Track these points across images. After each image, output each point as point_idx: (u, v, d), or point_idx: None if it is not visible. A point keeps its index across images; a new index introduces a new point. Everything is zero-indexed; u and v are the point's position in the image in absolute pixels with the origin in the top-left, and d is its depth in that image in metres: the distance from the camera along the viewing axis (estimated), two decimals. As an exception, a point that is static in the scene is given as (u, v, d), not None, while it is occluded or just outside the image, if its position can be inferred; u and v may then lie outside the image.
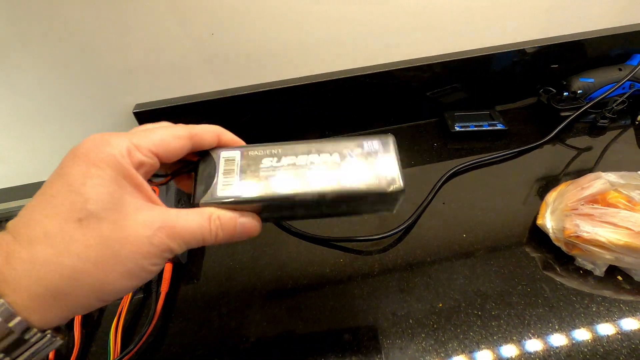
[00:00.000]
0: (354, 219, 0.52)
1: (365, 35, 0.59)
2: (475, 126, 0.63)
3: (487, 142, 0.62)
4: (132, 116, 0.59)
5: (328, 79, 0.60)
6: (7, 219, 0.58)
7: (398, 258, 0.46)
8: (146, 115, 0.59)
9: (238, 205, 0.26)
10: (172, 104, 0.59)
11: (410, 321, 0.39)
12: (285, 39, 0.56)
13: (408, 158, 0.61)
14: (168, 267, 0.45)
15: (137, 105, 0.59)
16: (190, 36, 0.53)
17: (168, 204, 0.47)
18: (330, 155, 0.27)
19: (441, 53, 0.63)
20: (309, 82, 0.60)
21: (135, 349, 0.38)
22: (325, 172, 0.27)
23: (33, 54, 0.52)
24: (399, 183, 0.27)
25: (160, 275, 0.45)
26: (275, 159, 0.27)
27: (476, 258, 0.45)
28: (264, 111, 0.62)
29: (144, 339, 0.39)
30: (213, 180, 0.26)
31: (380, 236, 0.47)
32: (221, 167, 0.27)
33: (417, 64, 0.62)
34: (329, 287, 0.44)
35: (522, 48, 0.63)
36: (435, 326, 0.39)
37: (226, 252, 0.49)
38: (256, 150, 0.28)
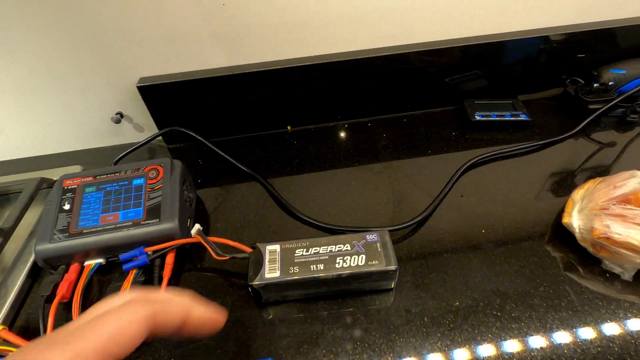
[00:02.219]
0: (368, 208, 0.49)
1: (384, 14, 0.55)
2: (497, 116, 0.60)
3: (508, 133, 0.59)
4: (136, 90, 0.56)
5: (343, 59, 0.57)
6: (3, 194, 0.55)
7: (413, 252, 0.44)
8: (150, 90, 0.55)
9: (281, 285, 0.37)
10: (178, 79, 0.55)
11: (425, 319, 0.37)
12: (302, 13, 0.53)
13: (425, 146, 0.58)
14: (171, 253, 0.43)
15: (141, 79, 0.55)
16: (200, 5, 0.50)
17: (172, 184, 0.45)
18: (343, 245, 0.39)
19: (462, 36, 0.59)
20: (323, 61, 0.57)
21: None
22: (341, 258, 0.37)
23: (29, 21, 0.48)
24: (394, 264, 0.37)
25: (162, 260, 0.43)
26: (305, 249, 0.38)
27: (495, 256, 0.42)
28: (274, 90, 0.59)
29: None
30: (261, 267, 0.37)
31: (395, 227, 0.45)
32: (267, 256, 0.38)
33: (435, 47, 0.58)
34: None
35: (547, 35, 0.59)
36: (451, 326, 0.37)
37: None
38: (291, 244, 0.39)
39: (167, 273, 0.42)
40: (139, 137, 0.63)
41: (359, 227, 0.46)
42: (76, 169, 0.57)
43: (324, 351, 0.36)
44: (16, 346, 0.33)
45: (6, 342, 0.34)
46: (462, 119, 0.62)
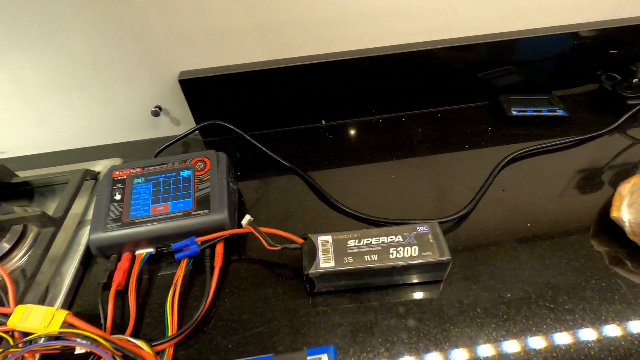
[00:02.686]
0: (410, 201, 0.49)
1: (421, 10, 0.54)
2: (534, 111, 0.60)
3: (545, 128, 0.59)
4: (175, 83, 0.57)
5: (377, 54, 0.57)
6: (48, 185, 0.56)
7: (459, 244, 0.44)
8: (191, 83, 0.56)
9: (336, 274, 0.37)
10: (218, 73, 0.56)
11: (478, 310, 0.38)
12: (342, 8, 0.53)
13: (461, 141, 0.58)
14: (220, 243, 0.44)
15: (182, 73, 0.56)
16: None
17: (220, 176, 0.46)
18: (395, 237, 0.39)
19: (494, 32, 0.58)
20: (358, 56, 0.57)
21: (193, 326, 0.37)
22: (394, 249, 0.38)
23: (79, 13, 0.49)
24: (448, 255, 0.38)
25: (212, 249, 0.43)
26: (357, 240, 0.39)
27: (543, 249, 0.43)
28: (309, 85, 0.59)
29: (201, 315, 0.38)
30: (315, 257, 0.38)
31: (442, 220, 0.45)
32: (320, 247, 0.39)
33: (468, 43, 0.58)
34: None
35: (577, 31, 0.58)
36: (505, 317, 0.37)
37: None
38: (342, 235, 0.40)
39: (218, 263, 0.42)
40: (175, 131, 0.64)
41: (403, 220, 0.46)
42: (116, 161, 0.58)
43: (380, 340, 0.36)
44: (82, 330, 0.34)
45: (71, 326, 0.35)
46: (497, 114, 0.62)
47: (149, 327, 0.39)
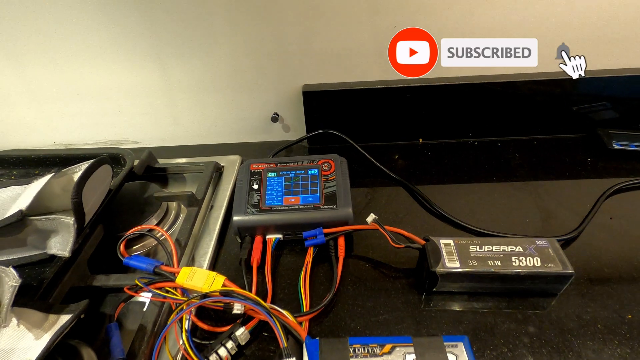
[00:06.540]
0: (515, 219, 0.52)
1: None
2: (636, 146, 0.61)
3: (648, 164, 0.60)
4: (297, 95, 0.64)
5: (478, 82, 0.61)
6: (181, 172, 0.64)
7: (572, 264, 0.45)
8: (313, 96, 0.63)
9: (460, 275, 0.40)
10: (336, 89, 0.63)
11: (599, 326, 0.39)
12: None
13: (561, 169, 0.60)
14: (342, 237, 0.48)
15: (305, 86, 0.63)
16: (374, 27, 0.57)
17: (343, 176, 0.51)
18: (515, 247, 0.42)
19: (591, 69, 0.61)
20: (460, 82, 0.61)
21: (326, 304, 0.42)
22: (516, 258, 0.41)
23: (233, 26, 0.58)
24: (571, 269, 0.40)
25: (335, 241, 0.48)
26: (478, 246, 0.42)
27: (661, 277, 0.43)
28: (413, 104, 0.65)
29: (332, 294, 0.42)
30: (440, 257, 0.41)
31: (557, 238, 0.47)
32: (443, 249, 0.42)
33: (565, 77, 0.60)
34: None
35: None
36: (628, 336, 0.38)
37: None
38: (463, 240, 0.43)
39: (341, 253, 0.47)
40: (285, 137, 0.71)
41: (515, 234, 0.49)
42: (237, 158, 0.66)
43: (502, 341, 0.39)
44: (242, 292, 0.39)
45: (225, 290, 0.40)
46: (594, 147, 0.64)
47: (282, 302, 0.44)
